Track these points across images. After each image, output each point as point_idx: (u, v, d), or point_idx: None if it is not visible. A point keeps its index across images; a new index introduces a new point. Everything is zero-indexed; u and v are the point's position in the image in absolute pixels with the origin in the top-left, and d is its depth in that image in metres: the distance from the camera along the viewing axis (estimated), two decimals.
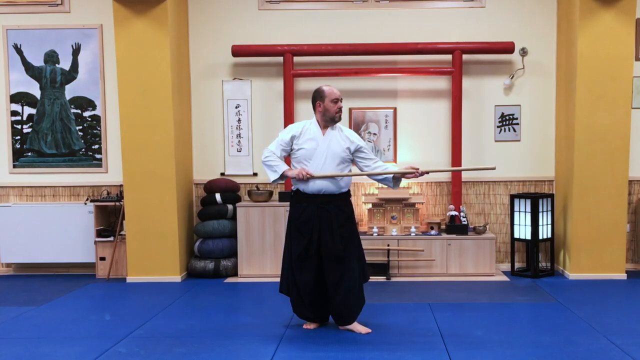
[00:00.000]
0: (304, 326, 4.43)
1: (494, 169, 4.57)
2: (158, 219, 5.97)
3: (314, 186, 4.22)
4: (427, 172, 4.33)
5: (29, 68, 6.42)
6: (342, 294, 4.23)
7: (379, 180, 4.42)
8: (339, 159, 4.25)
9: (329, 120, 4.30)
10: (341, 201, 4.30)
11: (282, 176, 4.28)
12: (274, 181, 4.29)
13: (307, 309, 4.39)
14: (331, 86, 4.35)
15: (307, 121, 4.41)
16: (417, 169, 4.23)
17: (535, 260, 6.05)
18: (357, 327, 4.32)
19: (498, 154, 6.47)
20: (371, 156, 4.35)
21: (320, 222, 4.22)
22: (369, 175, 4.49)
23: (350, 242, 4.28)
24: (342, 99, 4.33)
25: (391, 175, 4.31)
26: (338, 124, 4.37)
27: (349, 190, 4.36)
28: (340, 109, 4.31)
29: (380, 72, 6.29)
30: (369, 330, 4.29)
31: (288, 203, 5.99)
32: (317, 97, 4.32)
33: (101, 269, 6.27)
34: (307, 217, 4.24)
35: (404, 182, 6.41)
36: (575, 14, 5.83)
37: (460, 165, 6.26)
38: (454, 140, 6.29)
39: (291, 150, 4.33)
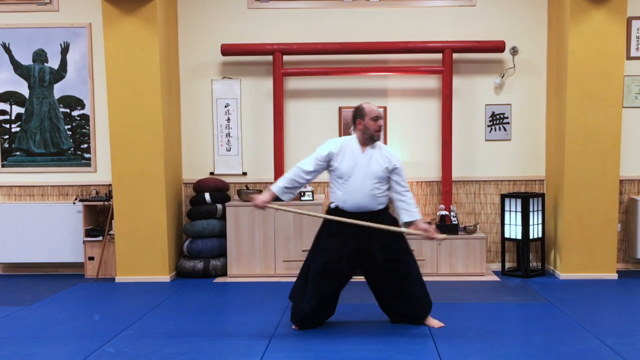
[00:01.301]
0: (294, 327, 4.40)
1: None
2: (147, 219, 5.94)
3: (353, 203, 4.24)
4: (434, 238, 4.42)
5: (18, 67, 6.39)
6: (414, 289, 4.38)
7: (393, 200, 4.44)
8: (377, 178, 4.27)
9: (368, 138, 4.30)
10: (381, 216, 4.30)
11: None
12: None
13: (311, 322, 4.38)
14: (371, 104, 4.37)
15: (347, 137, 4.41)
16: (429, 231, 4.33)
17: (526, 260, 6.02)
18: (432, 321, 4.44)
19: (488, 153, 6.45)
20: (403, 183, 4.37)
21: (358, 239, 4.23)
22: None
23: (398, 249, 4.36)
24: (382, 116, 4.37)
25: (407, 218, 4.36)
26: (378, 142, 4.37)
27: (387, 206, 4.39)
28: (380, 127, 4.32)
29: (370, 71, 6.27)
30: (442, 324, 4.42)
31: (278, 203, 6.05)
32: (358, 114, 4.33)
33: (90, 269, 6.24)
34: (344, 232, 4.23)
35: None
36: (566, 12, 5.81)
37: (450, 165, 6.26)
38: (444, 139, 6.26)
39: (329, 166, 4.34)
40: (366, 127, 4.27)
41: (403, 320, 4.43)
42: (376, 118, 4.27)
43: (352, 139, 4.35)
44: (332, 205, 4.34)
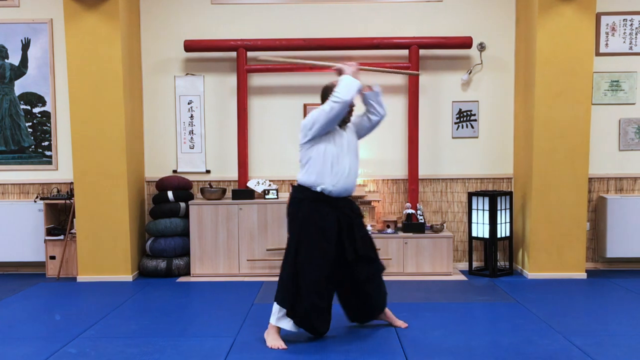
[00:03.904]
0: (280, 347, 3.98)
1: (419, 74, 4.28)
2: (109, 217, 5.87)
3: (343, 186, 3.98)
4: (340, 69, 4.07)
5: None
6: (378, 286, 4.23)
7: (374, 121, 4.25)
8: (358, 157, 4.15)
9: (340, 122, 4.04)
10: (353, 201, 4.18)
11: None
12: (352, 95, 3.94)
13: (323, 320, 4.03)
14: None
15: None
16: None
17: (494, 259, 5.95)
18: (396, 321, 4.35)
19: (455, 151, 6.38)
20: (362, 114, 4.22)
21: (340, 225, 3.99)
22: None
23: (370, 240, 4.21)
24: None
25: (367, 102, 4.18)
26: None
27: None
28: (352, 108, 4.10)
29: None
30: (406, 324, 4.34)
31: (242, 201, 6.02)
32: (329, 92, 3.98)
33: (51, 268, 6.16)
34: (331, 221, 3.96)
35: (359, 179, 6.31)
36: (535, 8, 5.73)
37: (417, 162, 6.18)
38: (411, 136, 6.18)
39: (307, 141, 3.96)
40: None
41: (361, 316, 4.30)
42: None
43: None
44: (318, 189, 3.94)
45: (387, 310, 4.38)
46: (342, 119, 4.03)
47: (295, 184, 4.12)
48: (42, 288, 5.73)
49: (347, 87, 3.87)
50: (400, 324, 4.35)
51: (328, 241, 3.94)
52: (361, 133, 4.27)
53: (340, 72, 4.03)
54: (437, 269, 6.00)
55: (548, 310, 4.74)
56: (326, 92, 4.06)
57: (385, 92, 6.21)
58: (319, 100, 6.09)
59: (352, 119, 4.21)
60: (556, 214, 5.81)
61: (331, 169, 3.95)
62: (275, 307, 4.00)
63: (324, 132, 3.94)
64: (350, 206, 4.11)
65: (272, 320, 4.02)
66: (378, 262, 4.27)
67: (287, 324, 3.98)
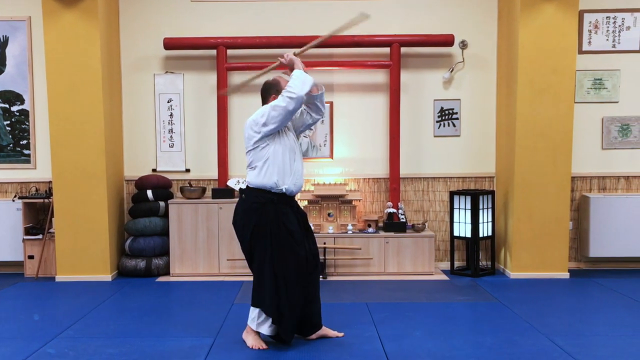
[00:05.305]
0: (261, 347, 3.92)
1: (367, 17, 4.01)
2: (88, 216, 5.83)
3: (300, 185, 3.92)
4: (295, 55, 3.97)
5: None
6: (318, 299, 4.03)
7: (309, 105, 4.02)
8: (302, 153, 4.04)
9: None
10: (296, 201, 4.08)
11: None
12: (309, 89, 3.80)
13: (292, 327, 3.90)
14: (284, 76, 3.98)
15: None
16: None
17: (476, 259, 5.92)
18: (329, 331, 4.12)
19: (437, 150, 6.34)
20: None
21: (300, 226, 3.91)
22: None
23: (316, 244, 4.08)
24: None
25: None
26: None
27: None
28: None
29: (315, 65, 6.09)
30: (342, 334, 4.15)
31: (222, 200, 5.98)
32: (273, 89, 3.92)
33: (29, 268, 6.11)
34: (295, 224, 3.86)
35: (339, 178, 6.31)
36: (517, 5, 5.70)
37: (398, 161, 6.13)
38: (392, 135, 6.14)
39: (259, 140, 3.82)
40: None
41: (300, 328, 4.04)
42: None
43: None
44: (283, 189, 3.81)
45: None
46: None
47: (247, 188, 3.93)
48: (20, 288, 5.70)
49: (301, 82, 3.76)
50: (335, 333, 4.16)
51: (299, 245, 3.84)
52: (299, 130, 4.11)
53: (292, 68, 3.92)
54: (418, 269, 5.95)
55: (530, 310, 4.71)
56: (268, 89, 3.96)
57: (366, 90, 6.30)
58: None
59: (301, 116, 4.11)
60: (539, 213, 5.77)
61: (290, 168, 3.87)
62: (255, 311, 3.90)
63: (278, 130, 3.83)
64: (298, 205, 4.05)
65: (253, 326, 3.92)
66: (319, 270, 4.11)
67: (268, 330, 3.89)
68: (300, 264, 3.81)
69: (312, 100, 3.98)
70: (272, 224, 3.79)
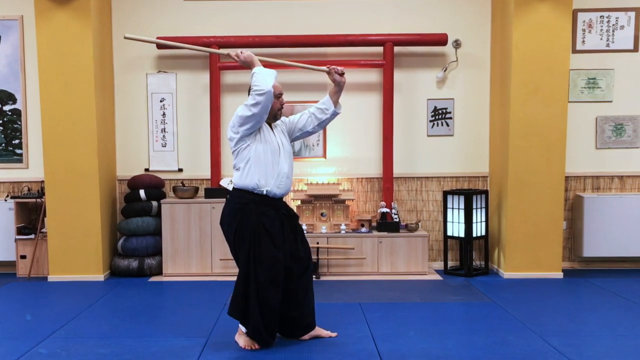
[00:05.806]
0: (254, 347, 3.90)
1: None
2: (80, 216, 5.81)
3: (284, 188, 3.87)
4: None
5: None
6: (310, 301, 4.00)
7: (323, 119, 4.06)
8: (291, 155, 3.99)
9: (271, 118, 3.89)
10: (285, 201, 4.04)
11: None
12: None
13: (271, 334, 3.88)
14: None
15: None
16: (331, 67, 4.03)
17: (469, 259, 5.90)
18: (322, 331, 4.10)
19: (431, 149, 6.33)
20: (301, 113, 4.09)
21: (284, 229, 3.88)
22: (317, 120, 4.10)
23: (308, 243, 4.06)
24: (283, 93, 3.99)
25: (327, 99, 4.04)
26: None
27: None
28: (282, 105, 3.95)
29: (309, 64, 6.08)
30: (335, 334, 4.12)
31: (214, 200, 5.96)
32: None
33: (22, 268, 6.09)
34: (277, 227, 3.82)
35: (332, 178, 6.29)
36: (510, 4, 5.68)
37: (391, 161, 6.12)
38: (385, 134, 6.12)
39: (239, 140, 3.81)
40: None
41: (292, 330, 4.05)
42: (279, 95, 3.89)
43: None
44: (264, 191, 3.79)
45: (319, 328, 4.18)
46: (273, 115, 3.90)
47: (233, 189, 3.93)
48: (12, 288, 5.68)
49: (264, 77, 3.70)
50: (328, 333, 4.14)
51: (277, 248, 3.81)
52: (295, 134, 4.11)
53: (249, 66, 3.84)
54: (412, 269, 5.94)
55: (524, 310, 4.69)
56: (249, 90, 3.87)
57: (359, 89, 6.28)
58: (292, 98, 6.23)
59: (285, 119, 4.09)
60: (532, 213, 5.75)
61: (273, 169, 3.84)
62: None
63: (255, 129, 3.79)
64: (286, 207, 4.01)
65: (243, 328, 3.91)
66: (311, 271, 4.06)
67: None
68: (276, 267, 3.76)
69: (331, 116, 4.08)
70: (252, 225, 3.77)
